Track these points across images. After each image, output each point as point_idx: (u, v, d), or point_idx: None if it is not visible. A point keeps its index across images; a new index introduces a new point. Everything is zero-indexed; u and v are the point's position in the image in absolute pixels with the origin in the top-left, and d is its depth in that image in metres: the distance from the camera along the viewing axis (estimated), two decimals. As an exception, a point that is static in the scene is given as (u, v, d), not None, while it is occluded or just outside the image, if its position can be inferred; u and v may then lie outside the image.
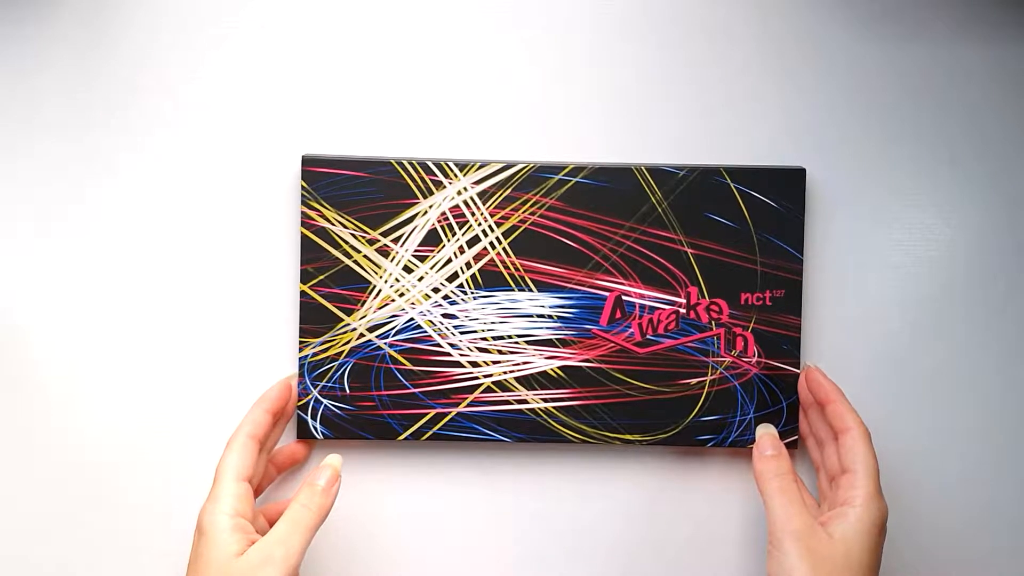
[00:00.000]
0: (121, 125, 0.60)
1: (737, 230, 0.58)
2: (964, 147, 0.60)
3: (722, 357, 0.58)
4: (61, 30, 0.59)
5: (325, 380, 0.58)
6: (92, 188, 0.60)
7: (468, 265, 0.58)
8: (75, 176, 0.60)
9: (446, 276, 0.58)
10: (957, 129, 0.60)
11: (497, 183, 0.58)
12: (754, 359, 0.58)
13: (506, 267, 0.58)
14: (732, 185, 0.58)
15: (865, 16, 0.60)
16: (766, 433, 0.56)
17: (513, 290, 0.58)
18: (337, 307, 0.58)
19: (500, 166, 0.58)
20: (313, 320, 0.58)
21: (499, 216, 0.58)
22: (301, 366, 0.58)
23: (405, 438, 0.58)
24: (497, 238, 0.58)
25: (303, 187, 0.57)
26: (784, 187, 0.58)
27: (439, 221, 0.58)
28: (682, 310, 0.58)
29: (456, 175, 0.58)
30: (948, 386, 0.60)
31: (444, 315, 0.58)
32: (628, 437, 0.58)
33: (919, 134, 0.60)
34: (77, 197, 0.60)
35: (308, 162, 0.57)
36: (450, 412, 0.58)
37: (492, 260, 0.58)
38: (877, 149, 0.60)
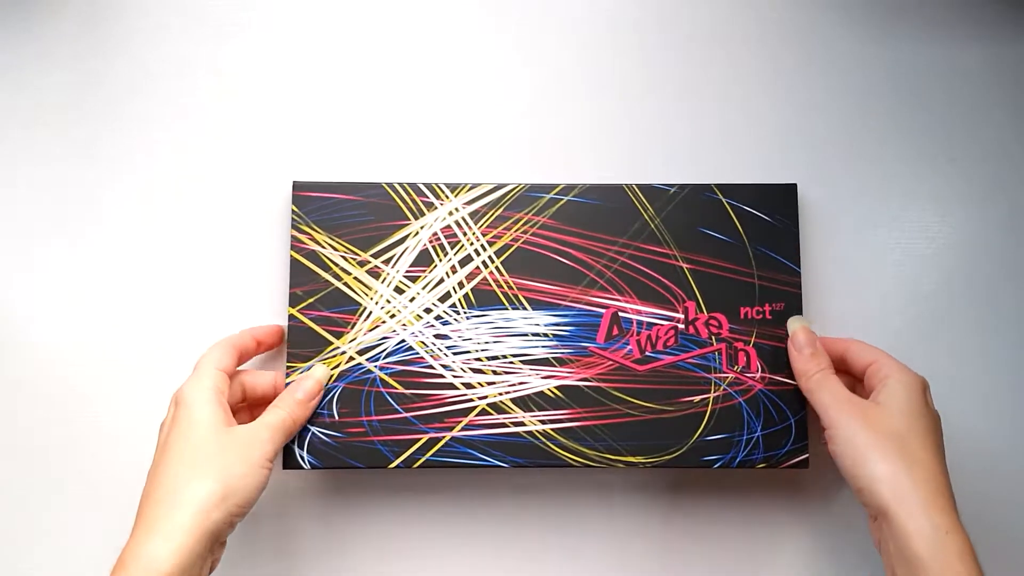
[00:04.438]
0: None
1: (732, 244, 0.57)
2: (963, 145, 0.61)
3: (725, 373, 0.56)
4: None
5: (313, 405, 0.55)
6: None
7: (460, 285, 0.57)
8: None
9: (438, 296, 0.57)
10: (956, 127, 0.61)
11: (489, 203, 0.57)
12: (757, 374, 0.56)
13: (499, 286, 0.57)
14: (724, 200, 0.58)
15: (867, 15, 0.61)
16: (800, 328, 0.55)
17: (507, 309, 0.57)
18: (326, 330, 0.56)
19: (491, 187, 0.58)
20: (301, 344, 0.56)
21: (491, 235, 0.57)
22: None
23: (397, 466, 0.55)
24: (490, 257, 0.57)
25: (294, 211, 0.57)
26: (776, 203, 0.58)
27: (431, 241, 0.57)
28: (681, 325, 0.57)
29: (447, 196, 0.57)
30: (947, 384, 0.58)
31: (436, 336, 0.56)
32: (631, 459, 0.55)
33: (918, 133, 0.61)
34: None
35: (299, 187, 0.57)
36: (444, 437, 0.55)
37: (485, 279, 0.57)
38: (876, 149, 0.60)
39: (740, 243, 0.57)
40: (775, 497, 0.58)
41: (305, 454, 0.55)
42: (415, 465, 0.55)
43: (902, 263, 0.60)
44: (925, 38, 0.61)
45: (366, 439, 0.55)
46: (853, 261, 0.60)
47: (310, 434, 0.55)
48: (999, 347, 0.60)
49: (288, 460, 0.55)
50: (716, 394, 0.56)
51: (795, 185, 0.58)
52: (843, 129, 0.61)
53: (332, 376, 0.56)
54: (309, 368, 0.55)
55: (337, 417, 0.55)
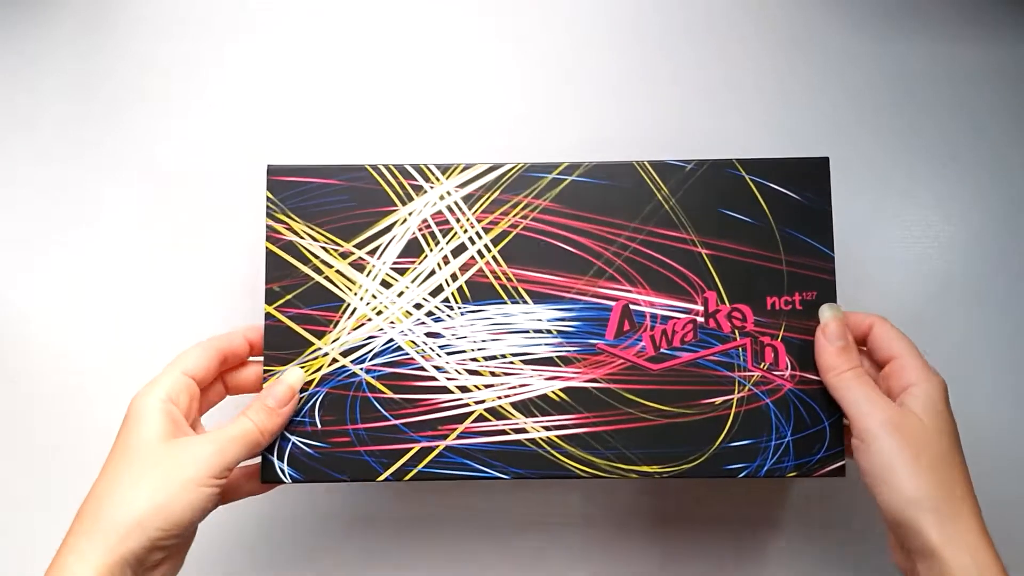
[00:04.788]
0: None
1: (757, 227, 0.51)
2: (965, 144, 0.60)
3: (750, 371, 0.50)
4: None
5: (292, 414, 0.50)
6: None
7: (454, 277, 0.51)
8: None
9: (429, 290, 0.51)
10: (958, 126, 0.60)
11: (484, 186, 0.52)
12: (787, 372, 0.50)
13: (497, 278, 0.51)
14: (748, 178, 0.51)
15: (866, 15, 0.60)
16: (834, 318, 0.49)
17: (505, 303, 0.51)
18: (306, 329, 0.51)
19: (486, 167, 0.52)
20: (279, 345, 0.51)
21: (487, 221, 0.52)
22: (266, 398, 0.50)
23: (386, 478, 0.50)
24: (486, 246, 0.51)
25: (269, 198, 0.52)
26: (807, 179, 0.51)
27: (420, 229, 0.52)
28: (700, 319, 0.51)
29: (438, 179, 0.52)
30: (948, 381, 0.53)
31: (428, 334, 0.51)
32: (645, 469, 0.50)
33: (918, 132, 0.59)
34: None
35: (274, 171, 0.52)
36: (437, 446, 0.50)
37: (481, 270, 0.51)
38: (878, 146, 0.57)
39: (766, 225, 0.51)
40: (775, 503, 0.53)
41: (285, 466, 0.50)
42: (406, 478, 0.50)
43: (903, 261, 0.59)
44: (925, 38, 0.60)
45: (352, 449, 0.50)
46: (853, 259, 0.57)
47: (290, 444, 0.50)
48: (1001, 345, 0.59)
49: (267, 473, 0.50)
50: (740, 395, 0.50)
51: (827, 159, 0.52)
52: (842, 128, 0.58)
53: (313, 381, 0.50)
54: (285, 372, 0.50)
55: (320, 426, 0.50)
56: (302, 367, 0.50)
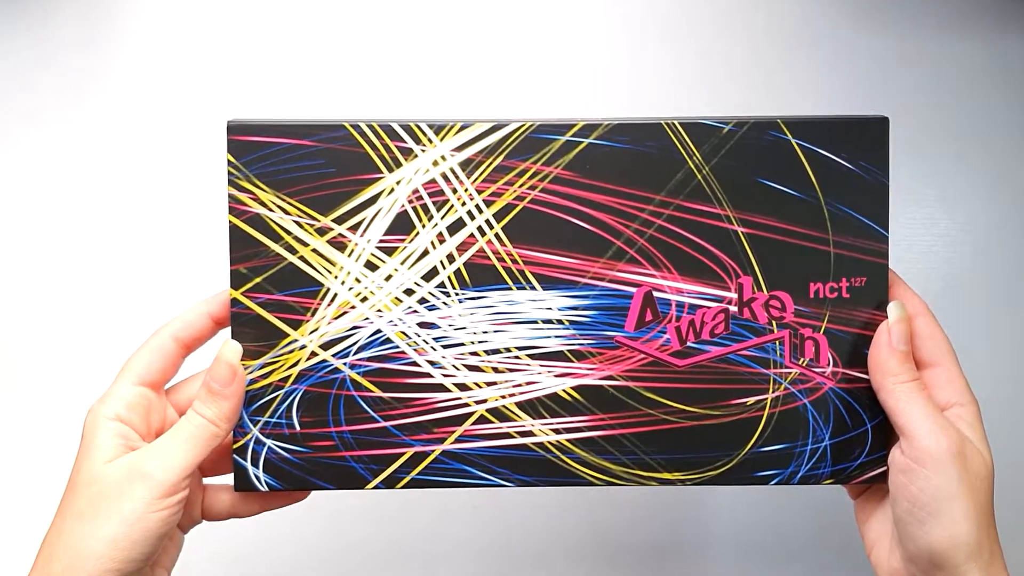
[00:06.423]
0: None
1: (803, 201, 0.44)
2: (970, 142, 0.59)
3: (787, 368, 0.45)
4: None
5: (267, 415, 0.44)
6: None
7: (451, 258, 0.44)
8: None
9: (422, 274, 0.44)
10: (964, 124, 0.59)
11: (485, 149, 0.44)
12: (828, 369, 0.45)
13: (500, 259, 0.44)
14: (794, 141, 0.44)
15: (871, 9, 0.58)
16: (903, 319, 0.43)
17: (510, 289, 0.45)
18: (280, 318, 0.44)
19: (488, 127, 0.44)
20: (249, 337, 0.44)
21: (489, 192, 0.44)
22: (235, 397, 0.44)
23: (375, 486, 0.45)
24: (487, 221, 0.44)
25: (230, 162, 0.44)
26: (861, 144, 0.44)
27: (410, 201, 0.44)
28: (733, 308, 0.45)
29: (431, 140, 0.44)
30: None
31: (421, 324, 0.45)
32: (667, 476, 0.45)
33: (925, 128, 0.59)
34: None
35: (236, 130, 0.44)
36: (433, 451, 0.45)
37: (482, 250, 0.44)
38: None
39: (813, 199, 0.44)
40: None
41: (261, 473, 0.45)
42: (398, 486, 0.45)
43: (908, 259, 0.59)
44: (933, 33, 0.59)
45: (336, 455, 0.45)
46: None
47: (265, 449, 0.44)
48: (1004, 343, 0.59)
49: (240, 480, 0.45)
50: (775, 394, 0.45)
51: (886, 120, 0.45)
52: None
53: (289, 377, 0.44)
54: (263, 363, 0.44)
55: (298, 428, 0.44)
56: (272, 364, 0.44)
